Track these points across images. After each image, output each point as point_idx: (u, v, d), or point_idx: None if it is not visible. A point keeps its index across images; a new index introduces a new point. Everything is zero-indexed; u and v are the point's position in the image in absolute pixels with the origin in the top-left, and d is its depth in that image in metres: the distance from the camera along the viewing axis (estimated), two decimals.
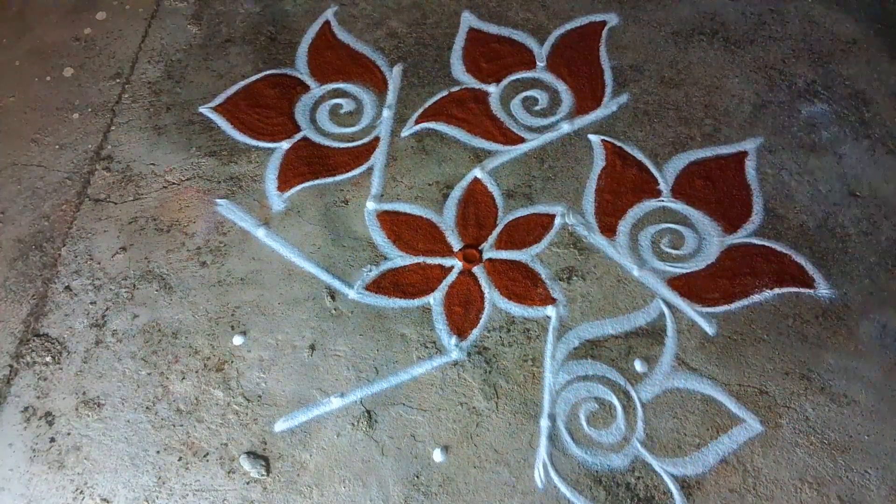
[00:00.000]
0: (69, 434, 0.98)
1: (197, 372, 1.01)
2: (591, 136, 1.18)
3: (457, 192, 1.14)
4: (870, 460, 0.91)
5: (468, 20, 1.33)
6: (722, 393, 0.96)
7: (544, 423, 0.95)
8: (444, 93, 1.25)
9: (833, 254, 1.06)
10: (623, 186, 1.13)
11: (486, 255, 1.08)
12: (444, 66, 1.28)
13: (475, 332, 1.02)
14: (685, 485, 0.90)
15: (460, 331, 1.02)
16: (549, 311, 1.03)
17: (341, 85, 1.27)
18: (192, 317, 1.06)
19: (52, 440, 0.97)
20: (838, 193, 1.11)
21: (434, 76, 1.27)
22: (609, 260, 1.07)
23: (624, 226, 1.10)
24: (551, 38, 1.30)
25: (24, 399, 1.00)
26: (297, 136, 1.22)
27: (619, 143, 1.17)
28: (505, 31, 1.31)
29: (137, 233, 1.14)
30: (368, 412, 0.97)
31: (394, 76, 1.27)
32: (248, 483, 0.93)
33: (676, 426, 0.94)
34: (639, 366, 0.98)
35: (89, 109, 1.28)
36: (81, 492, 0.93)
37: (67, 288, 1.09)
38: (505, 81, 1.25)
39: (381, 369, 1.00)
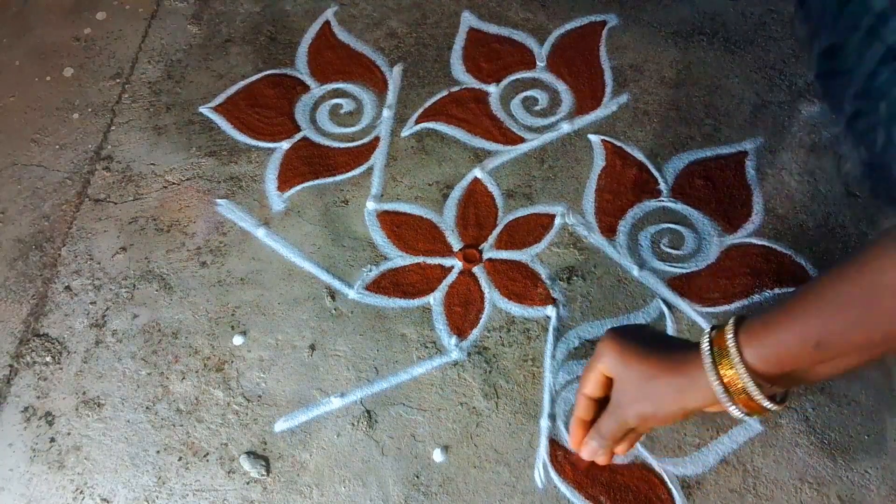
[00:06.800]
0: (69, 434, 0.97)
1: (197, 372, 1.01)
2: (591, 136, 1.18)
3: (457, 192, 1.14)
4: (870, 460, 0.91)
5: (468, 20, 1.33)
6: None
7: (544, 423, 0.95)
8: (444, 93, 1.25)
9: (833, 254, 1.06)
10: (623, 186, 1.13)
11: (486, 255, 1.08)
12: (444, 66, 1.28)
13: (475, 332, 1.02)
14: (685, 485, 0.90)
15: (460, 331, 1.02)
16: (549, 311, 1.03)
17: (341, 85, 1.27)
18: (192, 317, 1.06)
19: (52, 440, 0.97)
20: (838, 193, 1.11)
21: (434, 76, 1.27)
22: (609, 260, 1.07)
23: (624, 226, 1.10)
24: (551, 38, 1.30)
25: (24, 399, 1.00)
26: (297, 136, 1.22)
27: (619, 143, 1.17)
28: (505, 31, 1.31)
29: (137, 233, 1.14)
30: (368, 412, 0.97)
31: (394, 76, 1.27)
32: (248, 483, 0.93)
33: (676, 426, 0.94)
34: None
35: (89, 109, 1.28)
36: (81, 492, 0.93)
37: (67, 288, 1.09)
38: (505, 81, 1.25)
39: (381, 369, 1.00)
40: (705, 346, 0.52)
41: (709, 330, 0.54)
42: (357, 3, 1.37)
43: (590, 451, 0.64)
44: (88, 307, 1.07)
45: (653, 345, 0.58)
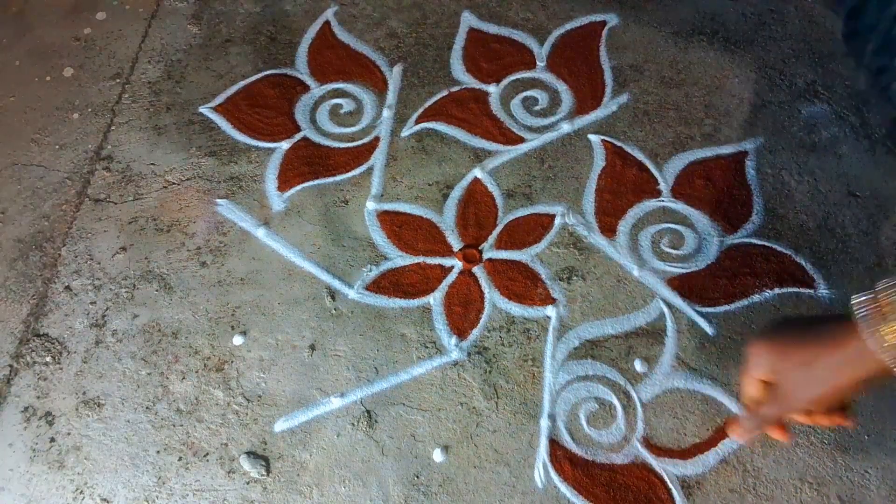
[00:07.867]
0: (69, 434, 0.98)
1: (197, 372, 1.01)
2: (591, 136, 1.18)
3: (457, 192, 1.14)
4: (870, 460, 0.91)
5: (468, 20, 1.33)
6: (722, 393, 0.96)
7: (544, 423, 0.95)
8: (444, 93, 1.25)
9: (833, 254, 1.06)
10: (623, 186, 1.13)
11: (486, 255, 1.08)
12: (444, 66, 1.28)
13: (475, 332, 1.02)
14: (685, 485, 0.90)
15: (460, 331, 1.02)
16: (549, 311, 1.03)
17: (341, 85, 1.27)
18: (192, 317, 1.06)
19: (52, 440, 0.97)
20: (838, 193, 1.11)
21: (434, 76, 1.27)
22: (609, 260, 1.07)
23: (624, 226, 1.10)
24: (551, 38, 1.30)
25: (24, 399, 1.00)
26: (298, 136, 1.22)
27: (619, 143, 1.17)
28: (505, 31, 1.31)
29: (137, 233, 1.14)
30: (368, 412, 0.97)
31: (394, 76, 1.27)
32: (248, 483, 0.93)
33: (676, 426, 0.94)
34: (639, 366, 0.98)
35: (89, 109, 1.28)
36: (81, 492, 0.93)
37: (67, 288, 1.09)
38: (505, 81, 1.25)
39: (381, 369, 1.00)
40: (863, 313, 0.53)
41: (859, 299, 0.54)
42: (357, 3, 1.37)
43: (745, 430, 0.66)
44: (88, 307, 1.07)
45: (801, 331, 0.60)
